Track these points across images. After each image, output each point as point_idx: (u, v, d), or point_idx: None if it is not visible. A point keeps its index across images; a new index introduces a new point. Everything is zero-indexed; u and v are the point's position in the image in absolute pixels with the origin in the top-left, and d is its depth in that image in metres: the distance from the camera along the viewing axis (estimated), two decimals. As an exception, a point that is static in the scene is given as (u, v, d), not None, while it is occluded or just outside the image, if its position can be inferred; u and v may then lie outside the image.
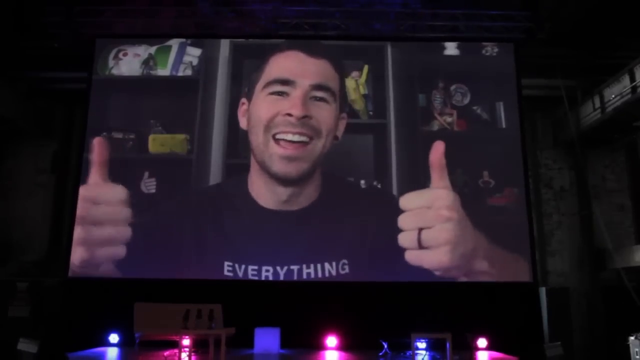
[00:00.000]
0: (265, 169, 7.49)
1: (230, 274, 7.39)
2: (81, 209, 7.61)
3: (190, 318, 5.82)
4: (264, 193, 7.56)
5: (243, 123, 7.90)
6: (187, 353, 5.67)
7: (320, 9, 8.38)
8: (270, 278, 7.35)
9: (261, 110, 7.56)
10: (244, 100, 7.99)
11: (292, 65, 7.80)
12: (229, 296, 6.56)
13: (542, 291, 8.23)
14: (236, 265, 7.41)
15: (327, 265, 7.36)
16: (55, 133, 9.69)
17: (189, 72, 8.34)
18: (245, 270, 7.38)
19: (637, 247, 8.55)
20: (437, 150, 7.61)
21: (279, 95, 7.52)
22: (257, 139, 7.52)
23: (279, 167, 7.39)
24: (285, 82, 7.57)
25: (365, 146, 8.07)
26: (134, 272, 7.42)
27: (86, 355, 6.49)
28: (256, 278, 7.35)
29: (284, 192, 7.47)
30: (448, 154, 7.85)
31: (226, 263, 7.43)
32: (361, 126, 8.19)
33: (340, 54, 8.31)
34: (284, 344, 6.91)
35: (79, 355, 6.43)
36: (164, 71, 8.36)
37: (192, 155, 7.98)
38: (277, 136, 7.42)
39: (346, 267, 7.37)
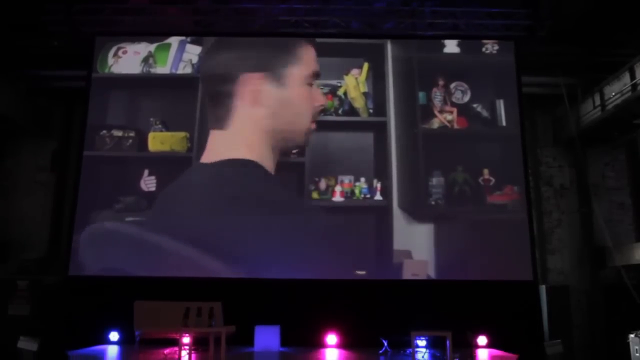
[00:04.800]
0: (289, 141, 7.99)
1: None
2: None
3: (191, 316, 5.83)
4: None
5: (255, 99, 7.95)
6: (187, 351, 5.68)
7: (321, 7, 8.37)
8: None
9: (309, 99, 8.04)
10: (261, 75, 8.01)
11: (315, 59, 8.22)
12: (229, 294, 6.54)
13: (542, 289, 8.25)
14: None
15: None
16: (54, 131, 9.65)
17: (188, 70, 8.33)
18: None
19: (637, 244, 8.54)
20: None
21: (310, 86, 8.04)
22: (303, 122, 7.95)
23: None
24: (318, 75, 8.13)
25: (366, 144, 8.08)
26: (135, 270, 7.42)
27: (86, 354, 6.48)
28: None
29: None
30: (448, 151, 7.89)
31: None
32: (361, 124, 8.21)
33: (341, 51, 8.34)
34: (284, 341, 6.90)
35: (79, 354, 6.41)
36: (163, 69, 8.35)
37: (192, 153, 7.97)
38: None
39: None
